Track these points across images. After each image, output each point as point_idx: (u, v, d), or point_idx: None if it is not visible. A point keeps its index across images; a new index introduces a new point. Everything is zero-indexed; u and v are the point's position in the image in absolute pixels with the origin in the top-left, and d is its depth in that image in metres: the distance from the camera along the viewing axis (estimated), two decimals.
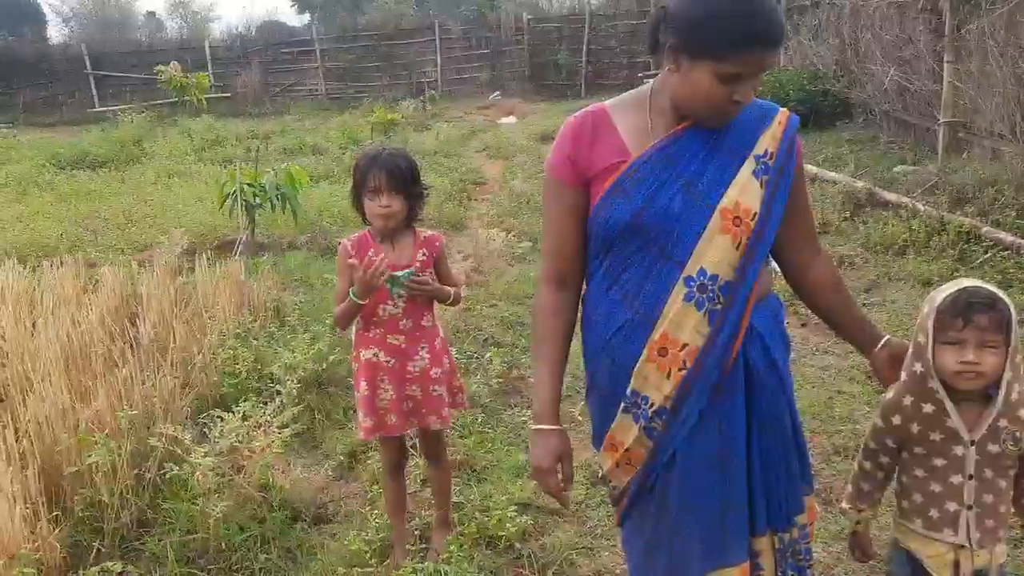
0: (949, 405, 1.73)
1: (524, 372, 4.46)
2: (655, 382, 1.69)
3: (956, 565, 1.80)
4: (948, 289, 1.72)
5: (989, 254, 5.44)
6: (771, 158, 1.70)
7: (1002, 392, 1.70)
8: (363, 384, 2.66)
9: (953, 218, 5.91)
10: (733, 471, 1.70)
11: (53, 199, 9.10)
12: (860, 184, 7.18)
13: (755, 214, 1.67)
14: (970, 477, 1.77)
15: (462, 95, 19.51)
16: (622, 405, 1.74)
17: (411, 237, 2.67)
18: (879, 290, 5.43)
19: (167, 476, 3.02)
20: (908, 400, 1.77)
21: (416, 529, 3.01)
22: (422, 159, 10.91)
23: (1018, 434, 1.74)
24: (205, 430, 3.25)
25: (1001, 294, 1.70)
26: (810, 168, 8.39)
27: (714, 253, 1.66)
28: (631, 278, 1.71)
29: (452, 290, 2.70)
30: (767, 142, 1.70)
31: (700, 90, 1.60)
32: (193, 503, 2.96)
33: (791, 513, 1.77)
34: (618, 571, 2.78)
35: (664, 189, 1.66)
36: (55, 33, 31.32)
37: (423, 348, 2.67)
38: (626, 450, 1.76)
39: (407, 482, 3.18)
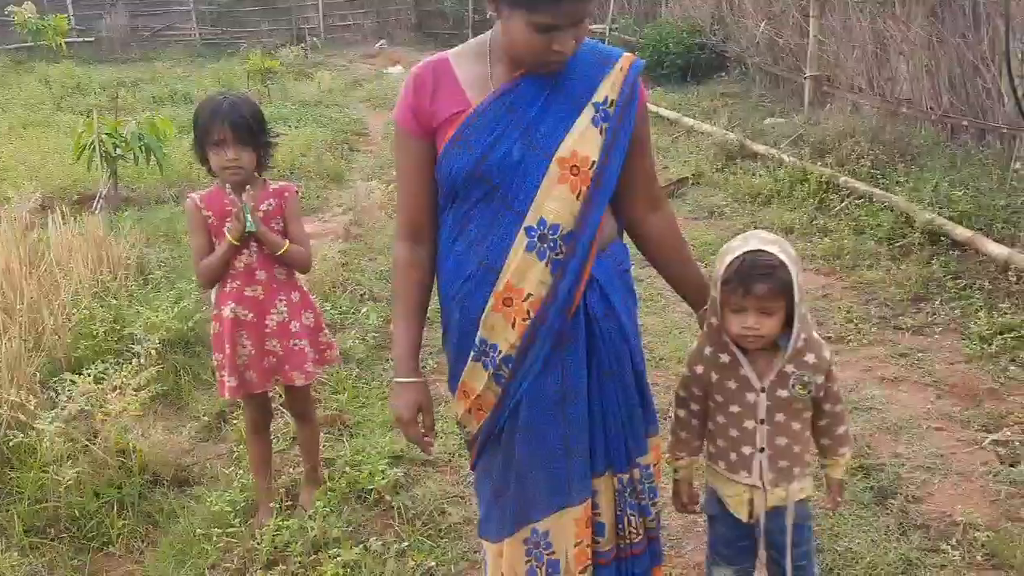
0: (740, 356, 1.82)
1: None
2: (501, 331, 1.71)
3: (752, 503, 1.91)
4: (735, 250, 1.74)
5: (845, 203, 5.75)
6: (611, 105, 1.68)
7: (792, 343, 1.76)
8: (223, 342, 2.59)
9: (814, 169, 6.20)
10: (574, 416, 1.74)
11: None
12: (732, 136, 7.42)
13: (593, 163, 1.67)
14: (761, 422, 1.84)
15: (346, 43, 18.86)
16: (472, 353, 1.76)
17: (261, 188, 2.60)
18: None
19: (11, 444, 2.86)
20: (708, 350, 1.85)
21: (283, 487, 2.98)
22: (302, 109, 10.58)
23: (806, 377, 1.81)
24: (54, 395, 3.09)
25: (783, 255, 1.72)
26: (687, 120, 8.60)
27: (553, 203, 1.66)
28: (476, 229, 1.70)
29: (286, 243, 2.58)
30: (607, 89, 1.69)
31: (519, 39, 1.59)
32: (43, 471, 2.83)
33: (632, 455, 1.82)
34: None
35: (503, 138, 1.65)
36: None
37: (280, 301, 2.63)
38: (477, 396, 1.78)
39: (273, 440, 3.13)
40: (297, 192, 2.68)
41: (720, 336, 1.81)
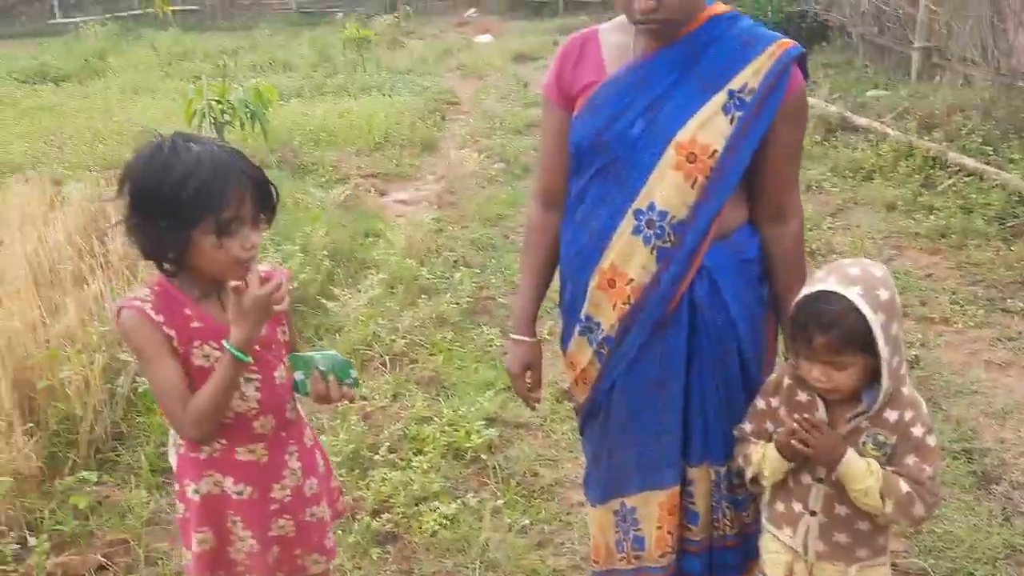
0: (819, 398, 1.57)
1: (494, 293, 4.53)
2: (605, 310, 1.72)
3: (791, 570, 1.64)
4: (809, 284, 1.52)
5: (952, 180, 5.52)
6: (749, 93, 1.57)
7: (878, 404, 1.51)
8: (201, 535, 1.63)
9: (920, 143, 5.97)
10: (668, 401, 1.72)
11: (15, 114, 8.87)
12: (833, 108, 7.20)
13: (714, 152, 1.58)
14: (819, 480, 1.58)
15: (437, 11, 18.98)
16: (578, 327, 1.79)
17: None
18: (845, 214, 5.52)
19: (139, 391, 3.07)
20: (787, 383, 1.63)
21: (386, 441, 3.09)
22: (395, 77, 10.74)
23: (881, 437, 1.53)
24: None
25: (861, 300, 1.43)
26: None
27: (666, 189, 1.60)
28: (591, 201, 1.70)
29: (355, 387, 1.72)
30: (748, 75, 1.58)
31: None
32: None
33: (731, 448, 1.76)
34: (580, 481, 2.90)
35: (627, 112, 1.62)
36: None
37: (292, 454, 1.69)
38: (582, 370, 1.81)
39: (370, 395, 3.24)
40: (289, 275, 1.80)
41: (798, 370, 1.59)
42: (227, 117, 6.29)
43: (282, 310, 1.51)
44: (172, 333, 1.51)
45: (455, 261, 4.98)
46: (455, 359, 3.80)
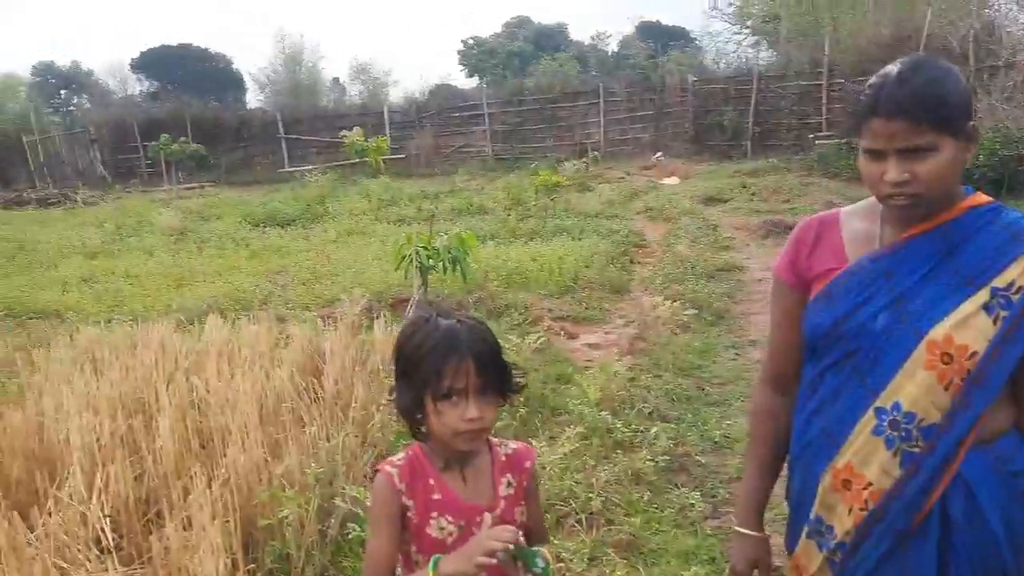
0: None
1: (691, 449, 4.37)
2: (839, 514, 1.58)
3: None
4: None
5: None
6: (1017, 292, 1.46)
7: None
8: None
9: None
10: None
11: (247, 255, 9.95)
12: None
13: (974, 354, 1.45)
14: None
15: (624, 155, 19.71)
16: (806, 528, 1.65)
17: (487, 456, 1.67)
18: None
19: (349, 535, 3.17)
20: None
21: None
22: (584, 220, 11.07)
23: None
24: None
25: None
26: None
27: (914, 389, 1.48)
28: (826, 392, 1.60)
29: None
30: (1017, 272, 1.46)
31: (861, 168, 1.51)
32: None
33: None
34: None
35: (870, 303, 1.53)
36: (252, 99, 34.62)
37: None
38: None
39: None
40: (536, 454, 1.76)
41: None
42: (431, 262, 6.71)
43: (487, 563, 1.47)
44: (411, 503, 1.58)
45: (650, 413, 4.87)
46: (653, 522, 3.65)
